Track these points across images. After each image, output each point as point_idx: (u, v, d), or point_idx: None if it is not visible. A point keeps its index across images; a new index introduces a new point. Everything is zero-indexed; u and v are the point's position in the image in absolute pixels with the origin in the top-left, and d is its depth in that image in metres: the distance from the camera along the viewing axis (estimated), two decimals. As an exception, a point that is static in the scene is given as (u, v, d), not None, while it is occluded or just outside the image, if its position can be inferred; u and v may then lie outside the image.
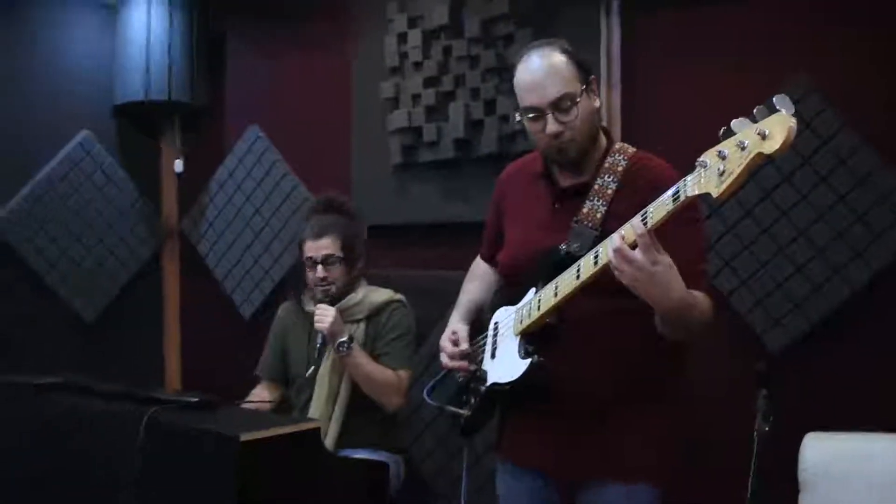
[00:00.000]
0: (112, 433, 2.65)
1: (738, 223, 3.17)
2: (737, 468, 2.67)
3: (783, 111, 1.68)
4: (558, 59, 2.23)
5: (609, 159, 2.27)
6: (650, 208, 1.90)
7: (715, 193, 1.76)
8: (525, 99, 2.27)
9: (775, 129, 1.67)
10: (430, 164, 3.96)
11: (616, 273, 1.95)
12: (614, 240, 1.95)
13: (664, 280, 1.93)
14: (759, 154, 1.69)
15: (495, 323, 2.42)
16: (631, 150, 2.30)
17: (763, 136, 1.68)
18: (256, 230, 4.72)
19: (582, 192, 2.26)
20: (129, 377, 3.35)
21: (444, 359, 2.47)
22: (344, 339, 3.18)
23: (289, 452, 2.45)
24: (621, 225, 1.97)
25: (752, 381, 2.75)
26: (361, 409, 3.30)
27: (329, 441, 3.23)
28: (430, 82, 3.92)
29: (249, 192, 4.74)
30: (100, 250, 4.82)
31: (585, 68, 2.26)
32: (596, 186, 2.23)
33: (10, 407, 3.09)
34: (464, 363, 2.42)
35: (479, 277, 2.66)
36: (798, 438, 2.75)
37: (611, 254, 1.94)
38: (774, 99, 1.70)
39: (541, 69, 2.23)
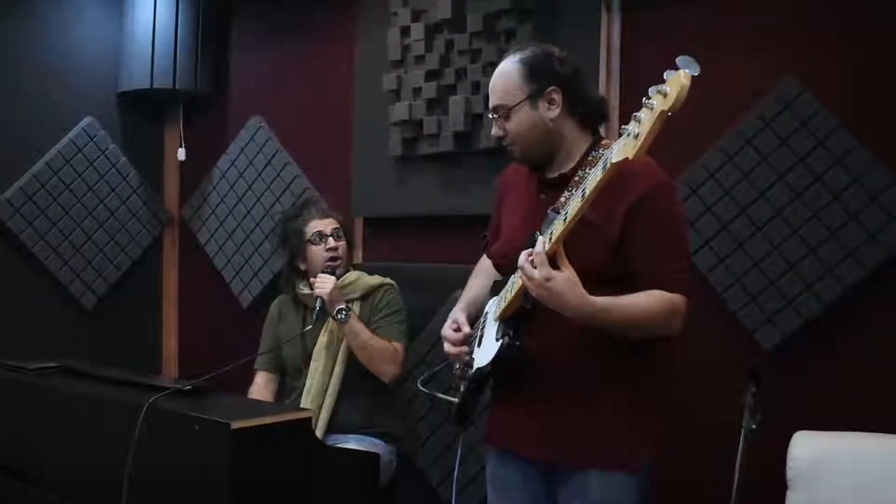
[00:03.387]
0: (107, 418, 2.68)
1: (733, 221, 3.18)
2: (727, 464, 2.70)
3: (684, 70, 1.79)
4: (510, 68, 2.34)
5: (593, 153, 2.32)
6: (585, 185, 2.02)
7: (631, 156, 1.86)
8: None
9: (673, 86, 1.79)
10: (430, 156, 3.97)
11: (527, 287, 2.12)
12: (520, 259, 2.10)
13: (558, 294, 2.07)
14: (662, 112, 1.80)
15: (485, 313, 2.48)
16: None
17: (664, 95, 1.80)
18: (257, 220, 4.74)
19: (564, 183, 2.31)
20: (127, 363, 3.39)
21: (446, 346, 2.50)
22: (342, 306, 3.32)
23: (280, 440, 2.48)
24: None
25: (743, 378, 2.77)
26: (352, 391, 3.40)
27: (321, 422, 3.32)
28: (431, 75, 3.93)
29: (251, 182, 4.77)
30: (101, 236, 4.85)
31: (542, 78, 2.31)
32: (576, 178, 2.28)
33: (9, 391, 3.12)
34: (465, 348, 2.47)
35: (481, 273, 2.70)
36: (788, 436, 2.76)
37: (518, 272, 2.12)
38: (677, 59, 1.81)
39: (494, 76, 2.39)
